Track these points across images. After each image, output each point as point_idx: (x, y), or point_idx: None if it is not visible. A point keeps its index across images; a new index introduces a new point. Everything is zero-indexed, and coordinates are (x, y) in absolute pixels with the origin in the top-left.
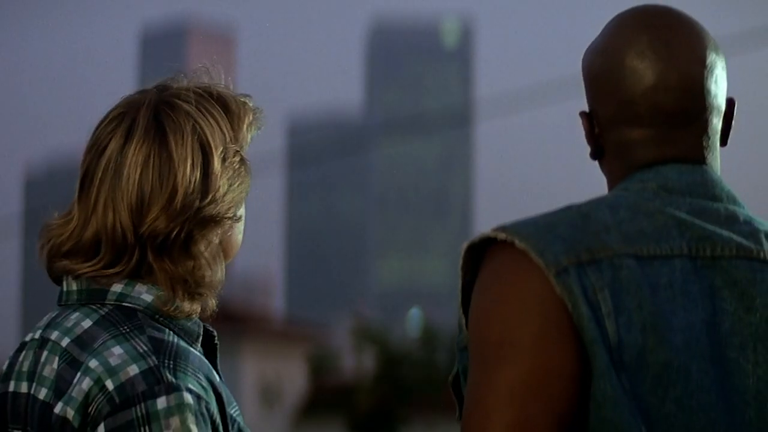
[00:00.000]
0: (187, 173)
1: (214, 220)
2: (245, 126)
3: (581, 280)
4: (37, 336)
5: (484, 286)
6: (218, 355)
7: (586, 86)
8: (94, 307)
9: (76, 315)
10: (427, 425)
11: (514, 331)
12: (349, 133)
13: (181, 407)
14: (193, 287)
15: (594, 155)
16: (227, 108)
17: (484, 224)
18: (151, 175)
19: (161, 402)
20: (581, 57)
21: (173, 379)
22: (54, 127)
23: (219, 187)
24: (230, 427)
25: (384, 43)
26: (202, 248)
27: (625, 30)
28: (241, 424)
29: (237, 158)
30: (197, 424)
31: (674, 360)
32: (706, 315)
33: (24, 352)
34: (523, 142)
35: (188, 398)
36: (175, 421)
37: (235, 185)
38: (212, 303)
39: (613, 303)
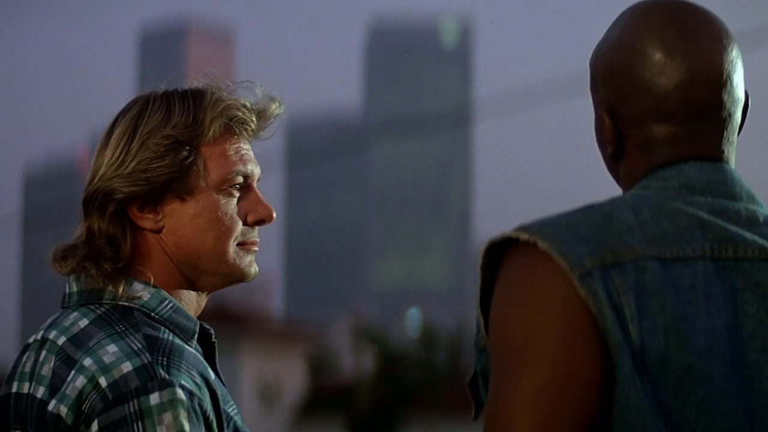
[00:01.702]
0: (111, 150)
1: (117, 191)
2: (209, 118)
3: (605, 284)
4: (39, 337)
5: (505, 287)
6: (217, 354)
7: (604, 83)
8: (92, 306)
9: (74, 315)
10: (427, 425)
11: (538, 335)
12: (348, 133)
13: (173, 403)
14: (101, 253)
15: (615, 156)
16: (200, 101)
17: (483, 224)
18: (97, 154)
19: (154, 398)
20: (591, 53)
21: (166, 376)
22: (53, 127)
23: (126, 164)
24: (225, 425)
25: (383, 42)
26: (132, 216)
27: (647, 22)
28: (238, 422)
29: (165, 141)
30: (189, 421)
31: (696, 364)
32: (727, 318)
33: (27, 354)
34: (522, 142)
35: (181, 394)
36: (167, 417)
37: (153, 165)
38: (106, 266)
39: (637, 306)
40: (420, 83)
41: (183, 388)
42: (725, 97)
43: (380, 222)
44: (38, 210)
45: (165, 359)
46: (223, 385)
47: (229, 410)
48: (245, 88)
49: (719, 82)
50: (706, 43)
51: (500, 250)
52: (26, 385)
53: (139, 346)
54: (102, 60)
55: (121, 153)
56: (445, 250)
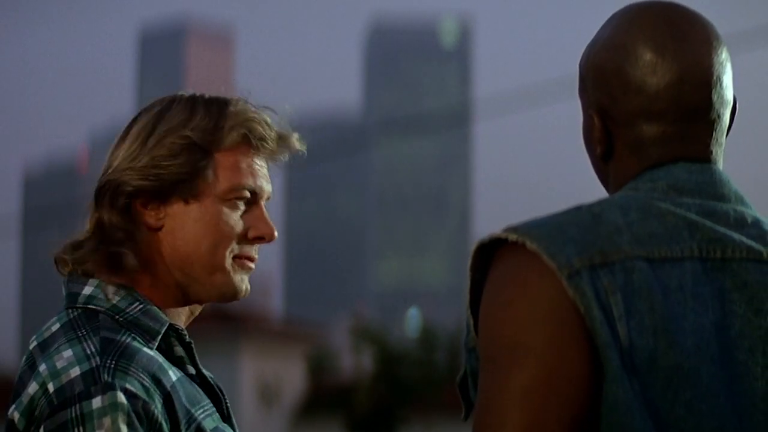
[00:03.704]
0: (128, 144)
1: (127, 184)
2: (228, 126)
3: (594, 283)
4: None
5: (494, 288)
6: (195, 353)
7: (594, 83)
8: (69, 310)
9: (53, 319)
10: (426, 425)
11: (527, 334)
12: (348, 133)
13: (113, 407)
14: (103, 234)
15: (605, 156)
16: (223, 108)
17: (483, 224)
18: (114, 147)
19: (96, 402)
20: (583, 53)
21: (110, 380)
22: (53, 126)
23: (139, 158)
24: (184, 428)
25: (382, 42)
26: (133, 211)
27: (639, 23)
28: (206, 424)
29: (181, 140)
30: (129, 425)
31: (684, 363)
32: (715, 318)
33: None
34: (522, 142)
35: (121, 398)
36: (107, 421)
37: (165, 163)
38: (130, 261)
39: (625, 306)
40: (420, 83)
41: (125, 391)
42: (715, 98)
43: (380, 222)
44: (38, 210)
45: (113, 363)
46: (211, 384)
47: (197, 412)
48: (271, 113)
49: (709, 82)
50: (697, 44)
51: (490, 251)
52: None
53: (93, 350)
54: (102, 60)
55: (137, 147)
56: (444, 250)
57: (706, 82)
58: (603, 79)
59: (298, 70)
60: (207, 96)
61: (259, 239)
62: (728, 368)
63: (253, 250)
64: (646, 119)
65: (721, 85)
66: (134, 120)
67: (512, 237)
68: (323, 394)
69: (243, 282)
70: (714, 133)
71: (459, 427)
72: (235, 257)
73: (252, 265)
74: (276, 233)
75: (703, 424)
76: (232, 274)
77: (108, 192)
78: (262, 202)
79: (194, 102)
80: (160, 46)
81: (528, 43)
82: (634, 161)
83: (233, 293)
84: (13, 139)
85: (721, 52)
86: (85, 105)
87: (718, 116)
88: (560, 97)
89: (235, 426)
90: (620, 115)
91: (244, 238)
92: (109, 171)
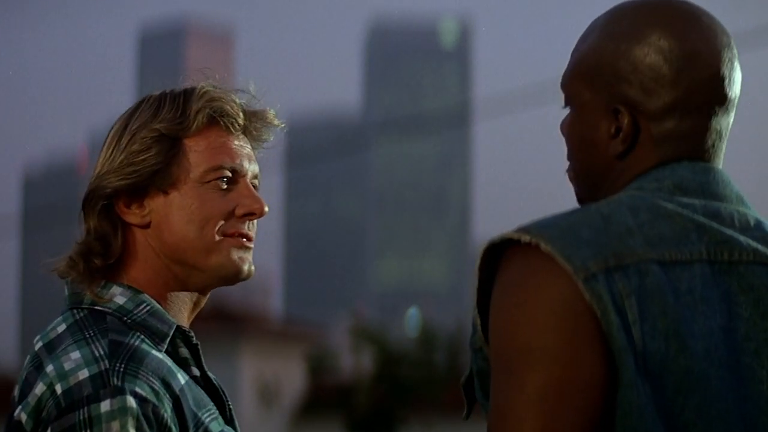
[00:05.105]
0: (105, 149)
1: (105, 187)
2: (194, 110)
3: (610, 287)
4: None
5: (507, 289)
6: (201, 355)
7: (620, 76)
8: (74, 311)
9: (57, 319)
10: (426, 425)
11: (542, 338)
12: (348, 133)
13: (122, 411)
14: (94, 242)
15: (624, 153)
16: (189, 96)
17: (483, 224)
18: (98, 157)
19: (105, 405)
20: (588, 49)
21: (119, 383)
22: (53, 127)
23: (115, 159)
24: (193, 431)
25: (382, 43)
26: (122, 211)
27: (664, 18)
28: (213, 428)
29: (152, 134)
30: (138, 429)
31: (695, 367)
32: (723, 321)
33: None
34: (522, 142)
35: (131, 402)
36: (115, 425)
37: (139, 158)
38: (97, 261)
39: (639, 310)
40: (420, 83)
41: (135, 395)
42: (733, 94)
43: (380, 222)
44: (38, 210)
45: (122, 366)
46: (215, 386)
47: (204, 415)
48: (243, 92)
49: (731, 78)
50: (717, 39)
51: (498, 251)
52: (16, 388)
53: (101, 352)
54: (102, 60)
55: (112, 150)
56: (444, 250)
57: (729, 78)
58: (633, 72)
59: (299, 70)
60: (178, 89)
61: (249, 215)
62: (735, 372)
63: (245, 227)
64: (681, 113)
65: (737, 81)
66: (112, 126)
67: (525, 238)
68: (323, 394)
69: (243, 261)
70: (728, 129)
71: (459, 427)
72: (226, 235)
73: (247, 243)
74: (266, 208)
75: (712, 427)
76: (227, 252)
77: (92, 200)
78: (248, 180)
79: (162, 96)
80: (160, 46)
81: (528, 44)
82: (654, 158)
83: (234, 272)
84: (13, 139)
85: (734, 47)
86: (85, 105)
87: (733, 112)
88: (560, 97)
89: (238, 429)
90: (654, 108)
91: (232, 217)
92: (92, 180)
